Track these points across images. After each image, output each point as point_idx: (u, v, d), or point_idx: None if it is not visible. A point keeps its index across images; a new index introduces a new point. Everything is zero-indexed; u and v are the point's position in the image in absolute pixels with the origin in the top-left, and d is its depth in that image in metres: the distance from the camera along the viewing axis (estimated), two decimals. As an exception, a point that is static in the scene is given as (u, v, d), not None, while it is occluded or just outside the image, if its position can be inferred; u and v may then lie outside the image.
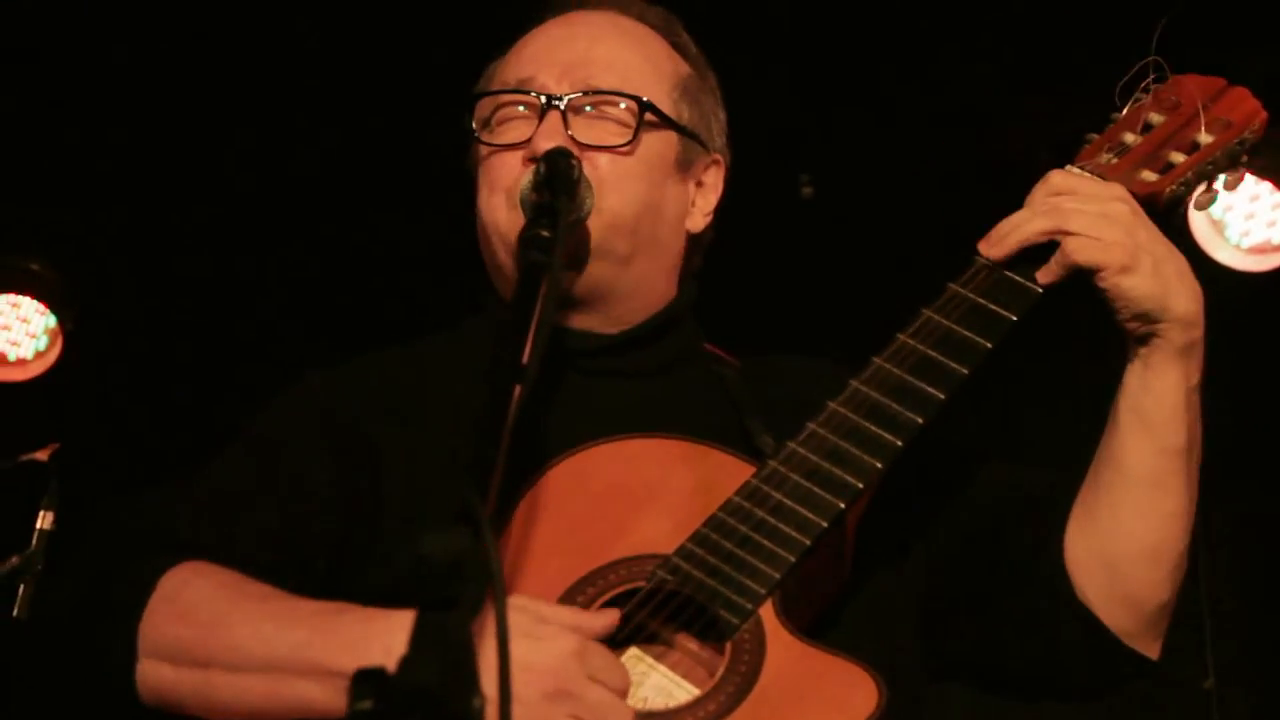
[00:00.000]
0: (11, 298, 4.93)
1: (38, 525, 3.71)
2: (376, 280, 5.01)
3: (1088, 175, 2.21)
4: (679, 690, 2.00)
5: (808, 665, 1.99)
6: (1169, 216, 2.25)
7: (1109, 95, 2.32)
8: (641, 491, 2.16)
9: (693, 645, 2.04)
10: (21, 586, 3.65)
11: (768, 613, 2.01)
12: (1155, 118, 2.25)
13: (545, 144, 2.29)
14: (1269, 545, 4.79)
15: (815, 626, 2.08)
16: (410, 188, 4.95)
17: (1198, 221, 4.65)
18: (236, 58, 4.71)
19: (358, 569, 2.17)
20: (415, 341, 2.47)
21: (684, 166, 2.44)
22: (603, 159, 2.34)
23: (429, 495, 2.15)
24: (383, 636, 1.94)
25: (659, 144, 2.40)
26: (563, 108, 2.33)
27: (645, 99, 2.38)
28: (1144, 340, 2.17)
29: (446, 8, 4.53)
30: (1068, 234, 2.14)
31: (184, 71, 4.71)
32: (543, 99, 2.34)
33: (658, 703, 1.99)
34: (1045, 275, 2.16)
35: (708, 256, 2.58)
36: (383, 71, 4.69)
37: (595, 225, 2.31)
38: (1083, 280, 2.15)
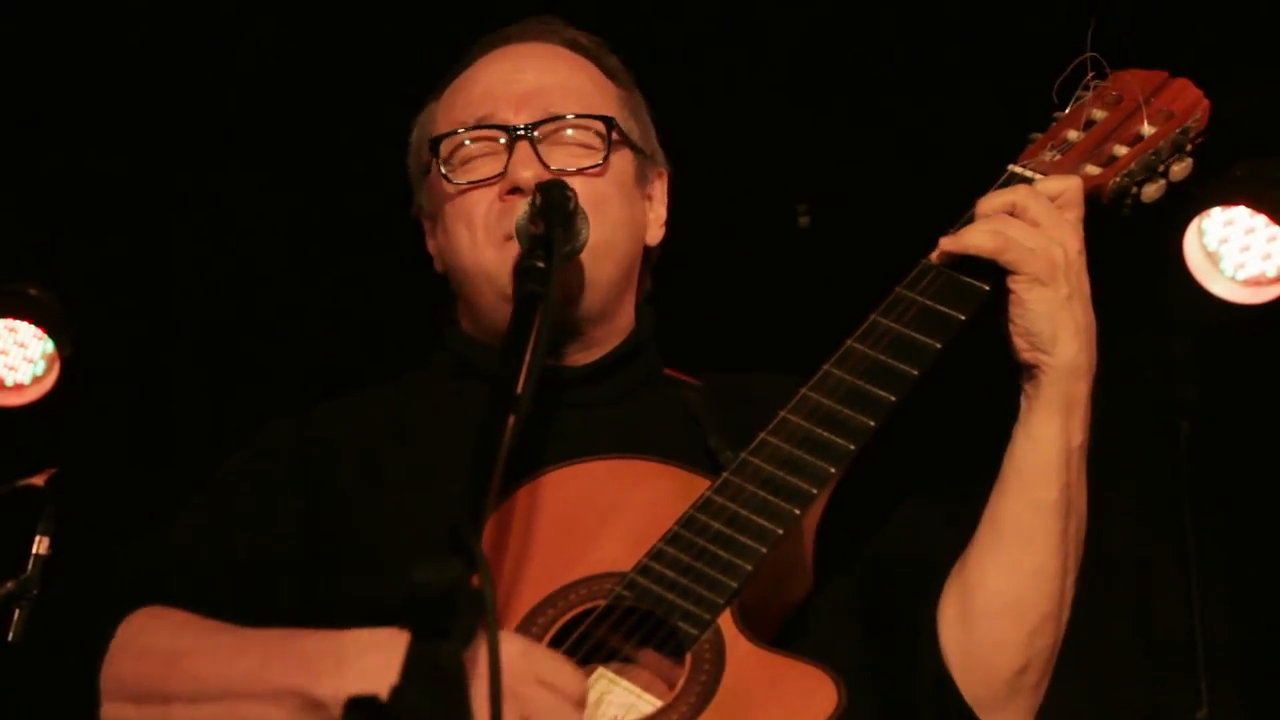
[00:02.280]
0: (9, 323, 4.92)
1: (34, 550, 3.71)
2: (377, 305, 5.01)
3: (1044, 200, 2.18)
4: (642, 704, 2.00)
5: (767, 670, 1.98)
6: (1116, 209, 2.26)
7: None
8: (602, 511, 2.16)
9: (654, 659, 2.04)
10: (16, 611, 3.65)
11: (726, 623, 2.01)
12: (1097, 114, 2.26)
13: (524, 172, 2.30)
14: (1262, 575, 4.79)
15: (780, 638, 2.08)
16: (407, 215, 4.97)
17: (1192, 253, 4.67)
18: (236, 83, 4.73)
19: (322, 608, 2.19)
20: (382, 383, 2.49)
21: (641, 183, 2.46)
22: (577, 183, 2.31)
23: (394, 535, 2.17)
24: (334, 652, 1.96)
25: (623, 163, 2.42)
26: (530, 136, 2.33)
27: (611, 117, 2.39)
28: (1030, 379, 2.16)
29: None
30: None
31: (183, 96, 4.72)
32: (510, 130, 2.34)
33: (620, 716, 1.99)
34: (951, 244, 2.15)
35: (708, 285, 2.59)
36: (381, 98, 4.70)
37: (584, 255, 2.31)
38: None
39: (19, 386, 4.94)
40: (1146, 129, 2.24)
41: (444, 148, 2.40)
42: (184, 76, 4.69)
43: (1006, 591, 2.17)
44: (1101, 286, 2.26)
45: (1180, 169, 2.27)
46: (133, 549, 2.28)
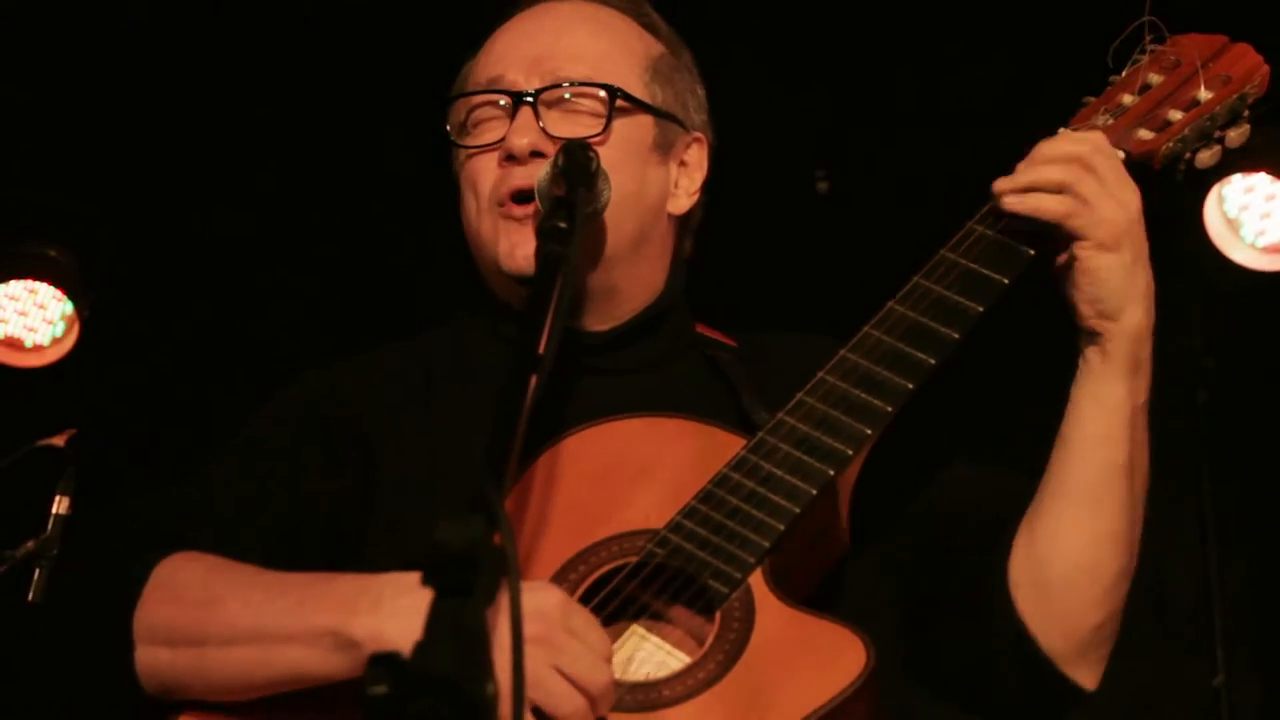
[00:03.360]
0: (29, 284, 4.93)
1: (54, 510, 3.72)
2: (393, 270, 5.02)
3: (1112, 155, 2.17)
4: (671, 660, 2.01)
5: (796, 630, 1.99)
6: (1168, 175, 2.25)
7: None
8: (634, 469, 2.16)
9: (684, 617, 2.05)
10: (37, 571, 3.67)
11: (757, 581, 2.01)
12: (1154, 78, 2.25)
13: (518, 141, 2.28)
14: (1278, 542, 4.79)
15: (815, 598, 2.09)
16: (428, 183, 4.96)
17: (1213, 220, 4.65)
18: (259, 49, 4.73)
19: (349, 560, 2.19)
20: (409, 338, 2.48)
21: (663, 149, 2.42)
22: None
23: (422, 490, 2.18)
24: (369, 592, 1.97)
25: (633, 129, 2.38)
26: (533, 102, 2.31)
27: (615, 86, 2.35)
28: (1094, 344, 2.16)
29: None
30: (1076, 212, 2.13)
31: (206, 62, 4.72)
32: (515, 95, 2.33)
33: (651, 673, 2.00)
34: (1016, 204, 2.14)
35: (722, 248, 2.57)
36: (402, 65, 4.70)
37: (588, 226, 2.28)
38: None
39: (39, 348, 4.96)
40: (1203, 94, 2.22)
41: (456, 110, 2.39)
42: (210, 38, 4.68)
43: (1081, 555, 2.18)
44: None
45: (1237, 135, 2.25)
46: (161, 498, 2.28)
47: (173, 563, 2.13)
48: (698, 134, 2.47)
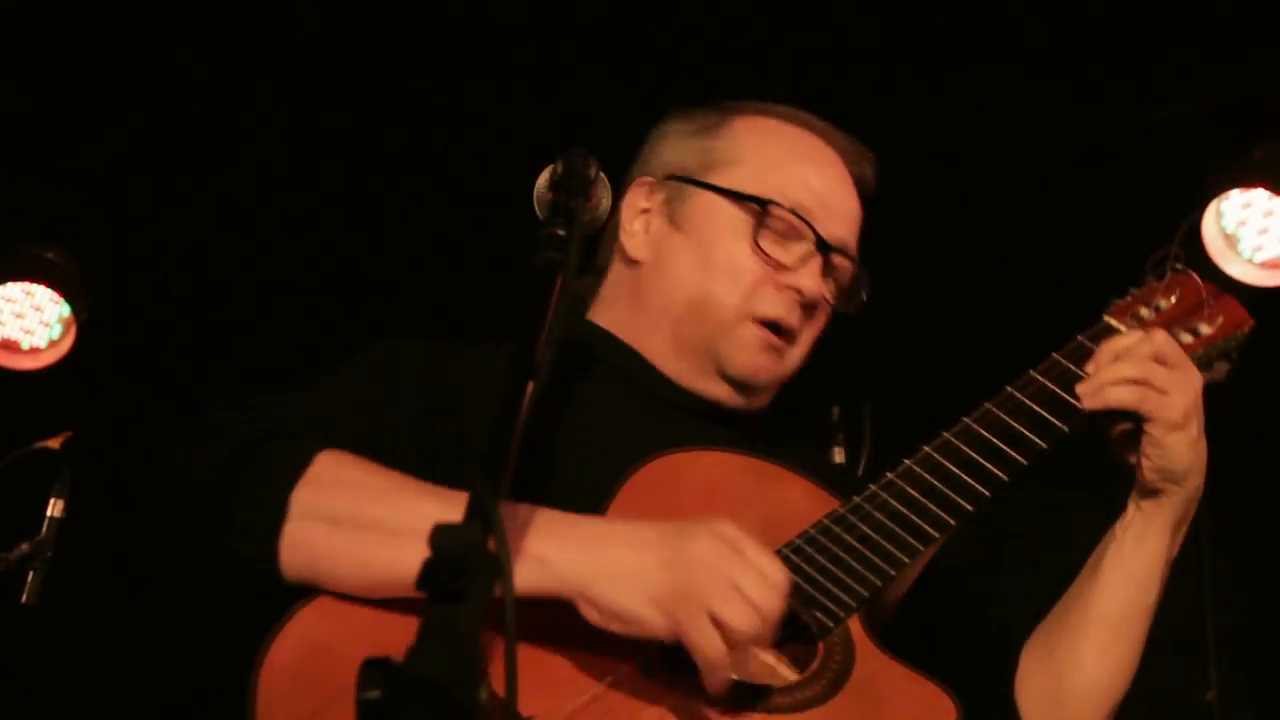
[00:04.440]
0: (26, 286, 4.93)
1: (48, 513, 3.74)
2: (393, 276, 5.03)
3: (1175, 345, 2.42)
4: (781, 669, 2.14)
5: (892, 675, 2.16)
6: None
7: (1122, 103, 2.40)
8: (735, 496, 2.29)
9: (785, 640, 2.16)
10: (31, 574, 3.67)
11: (855, 624, 2.19)
12: (1163, 302, 2.54)
13: (816, 288, 2.48)
14: (1272, 558, 4.80)
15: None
16: (428, 185, 4.97)
17: (1211, 235, 4.65)
18: (254, 48, 4.73)
19: None
20: (498, 342, 2.51)
21: None
22: (821, 315, 2.53)
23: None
24: (559, 520, 2.07)
25: None
26: (831, 258, 2.52)
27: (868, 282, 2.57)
28: (1151, 498, 2.38)
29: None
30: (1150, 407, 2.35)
31: (202, 62, 4.73)
32: (824, 245, 2.50)
33: (762, 675, 2.11)
34: (1095, 401, 2.37)
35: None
36: (396, 62, 4.71)
37: (785, 367, 2.52)
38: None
39: (35, 350, 4.96)
40: (1205, 328, 2.52)
41: (772, 211, 2.50)
42: (205, 38, 4.68)
43: (1100, 679, 2.40)
44: (1118, 267, 2.37)
45: (1220, 370, 2.52)
46: (281, 404, 2.28)
47: (336, 453, 2.14)
48: None
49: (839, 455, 4.26)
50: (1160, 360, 2.35)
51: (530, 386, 1.87)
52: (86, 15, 4.62)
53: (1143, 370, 2.34)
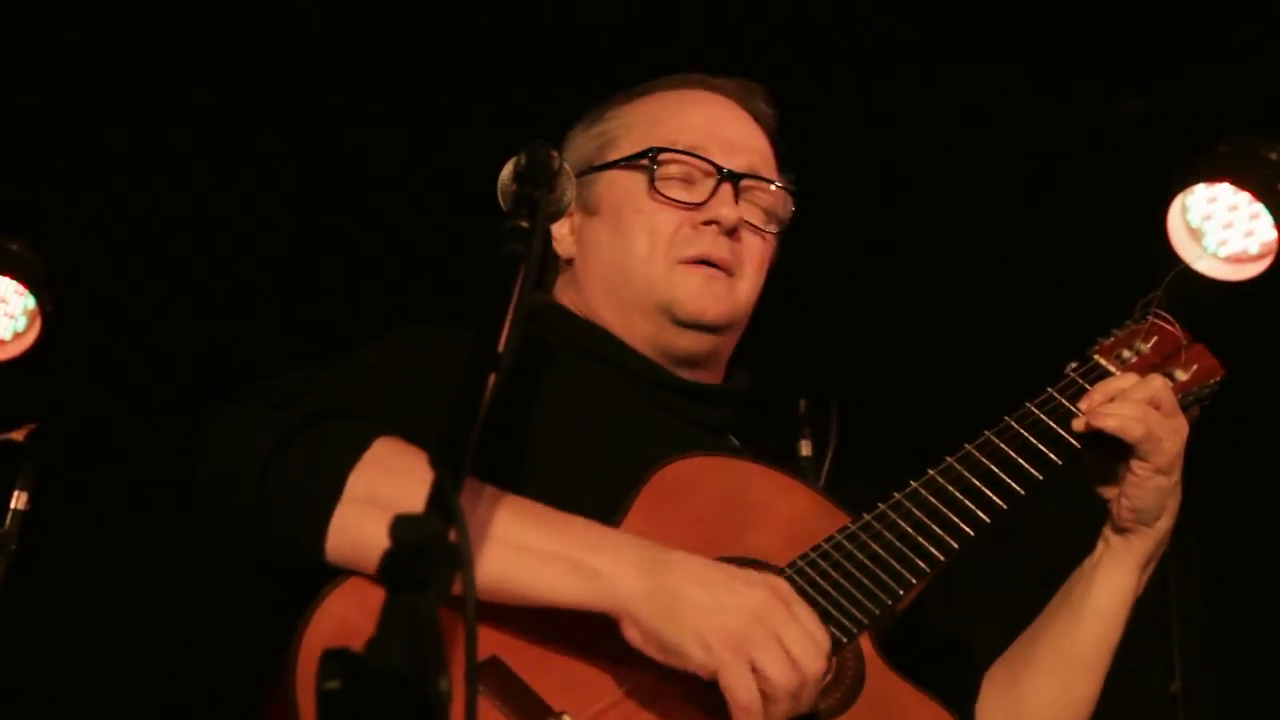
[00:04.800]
0: (-9, 278, 4.92)
1: (12, 505, 3.72)
2: (363, 269, 5.02)
3: (1172, 395, 2.48)
4: None
5: (901, 696, 2.22)
6: None
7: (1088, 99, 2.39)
8: (753, 506, 2.32)
9: None
10: (-5, 565, 3.66)
11: (865, 640, 2.24)
12: (1141, 345, 2.62)
13: (730, 213, 2.50)
14: (1235, 553, 4.82)
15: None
16: (394, 178, 4.97)
17: (1176, 229, 4.67)
18: (231, 44, 4.72)
19: None
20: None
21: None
22: (754, 240, 2.56)
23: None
24: (607, 535, 2.12)
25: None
26: (737, 182, 2.54)
27: (793, 190, 2.61)
28: (1122, 535, 2.46)
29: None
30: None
31: (167, 53, 4.71)
32: (722, 171, 2.53)
33: None
34: (1101, 421, 2.41)
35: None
36: (382, 61, 4.71)
37: (736, 300, 2.53)
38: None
39: (0, 342, 4.94)
40: (1180, 374, 2.60)
41: (661, 159, 2.54)
42: (170, 27, 4.67)
43: (1059, 710, 2.48)
44: (1084, 261, 2.38)
45: (1192, 414, 2.58)
46: (335, 383, 2.26)
47: (395, 440, 2.12)
48: None
49: (806, 448, 4.26)
50: (1156, 405, 2.42)
51: (492, 377, 1.86)
52: (54, 8, 4.60)
53: (1139, 413, 2.41)
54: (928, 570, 2.30)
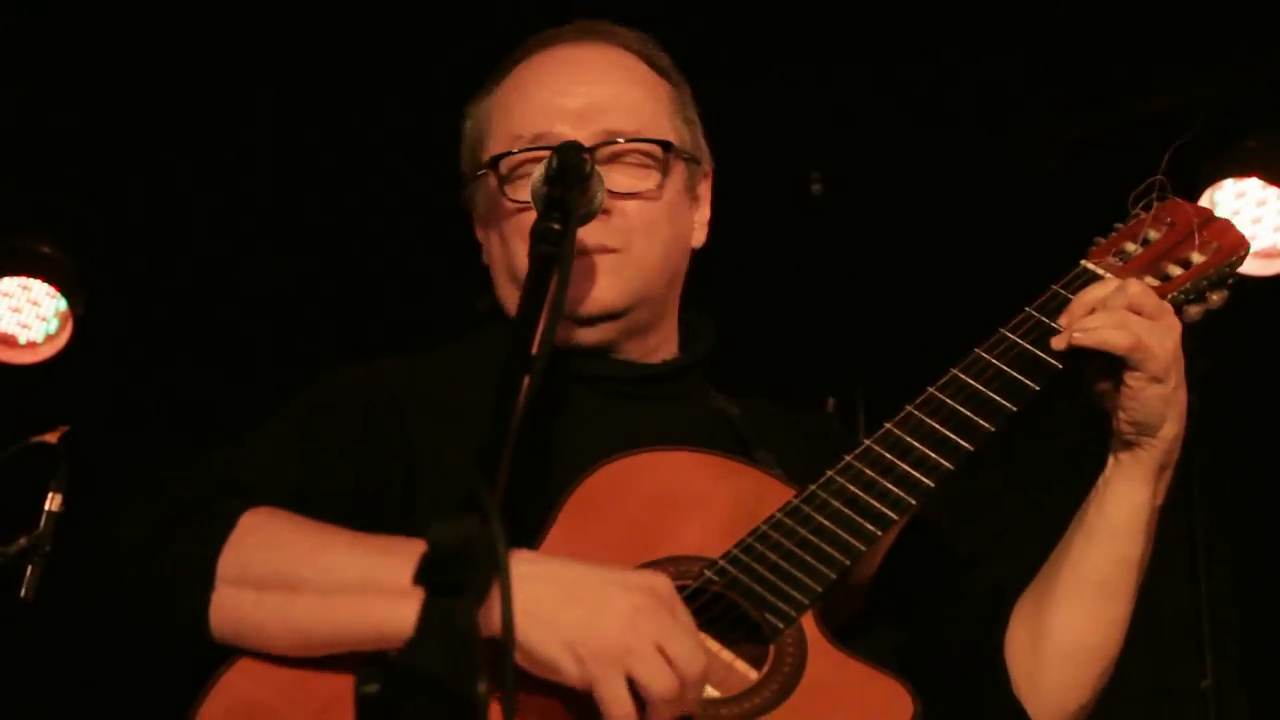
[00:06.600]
0: (22, 280, 4.94)
1: (46, 507, 3.73)
2: (389, 271, 5.03)
3: (1155, 296, 2.32)
4: (736, 669, 2.08)
5: (846, 673, 2.08)
6: None
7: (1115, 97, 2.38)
8: (688, 499, 2.24)
9: (733, 643, 2.11)
10: (29, 568, 3.67)
11: (808, 622, 2.11)
12: (1152, 233, 2.45)
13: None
14: (1266, 549, 4.81)
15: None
16: (423, 187, 4.97)
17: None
18: (251, 41, 4.73)
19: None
20: (434, 349, 2.50)
21: (691, 190, 2.51)
22: (631, 206, 2.40)
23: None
24: None
25: (677, 179, 2.46)
26: (598, 156, 2.34)
27: (669, 141, 2.43)
28: (1128, 449, 2.31)
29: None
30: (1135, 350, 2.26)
31: (199, 57, 4.73)
32: None
33: (705, 691, 2.04)
34: (1084, 339, 2.27)
35: (716, 251, 2.61)
36: (395, 67, 4.71)
37: (633, 273, 2.39)
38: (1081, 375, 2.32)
39: (32, 344, 4.97)
40: (1197, 256, 2.42)
41: (502, 166, 2.43)
42: (201, 32, 4.68)
43: (1085, 639, 2.34)
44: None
45: (1218, 298, 2.43)
46: (221, 460, 2.25)
47: (262, 512, 2.12)
48: (707, 168, 2.56)
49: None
50: (1136, 310, 2.27)
51: (527, 380, 1.87)
52: (82, 10, 4.62)
53: (1119, 321, 2.26)
54: (878, 533, 2.16)
